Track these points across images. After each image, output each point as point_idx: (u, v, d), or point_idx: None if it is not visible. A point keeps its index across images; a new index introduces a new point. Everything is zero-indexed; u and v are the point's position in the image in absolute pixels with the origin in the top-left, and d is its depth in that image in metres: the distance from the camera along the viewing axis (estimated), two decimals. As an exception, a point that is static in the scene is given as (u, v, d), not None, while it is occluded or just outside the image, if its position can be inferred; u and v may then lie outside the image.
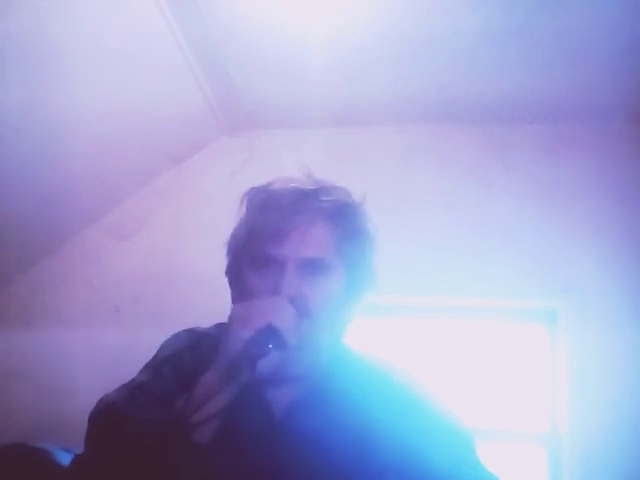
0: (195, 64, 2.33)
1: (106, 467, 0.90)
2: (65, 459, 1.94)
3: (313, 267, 1.00)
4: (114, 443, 0.91)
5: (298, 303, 0.96)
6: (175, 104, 2.48)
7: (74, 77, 2.09)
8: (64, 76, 2.06)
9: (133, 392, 0.99)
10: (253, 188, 1.08)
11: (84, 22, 1.94)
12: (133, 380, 1.03)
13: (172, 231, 2.75)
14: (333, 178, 1.09)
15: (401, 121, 2.67)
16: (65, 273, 2.74)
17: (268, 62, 2.34)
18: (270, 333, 0.92)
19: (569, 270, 2.46)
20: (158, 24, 2.08)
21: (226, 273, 1.09)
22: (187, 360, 1.03)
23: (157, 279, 2.67)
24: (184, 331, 1.11)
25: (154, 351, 1.09)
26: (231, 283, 1.09)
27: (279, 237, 0.99)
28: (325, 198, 1.04)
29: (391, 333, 2.59)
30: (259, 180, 1.10)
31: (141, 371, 1.05)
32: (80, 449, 0.97)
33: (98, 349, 2.56)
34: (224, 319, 0.99)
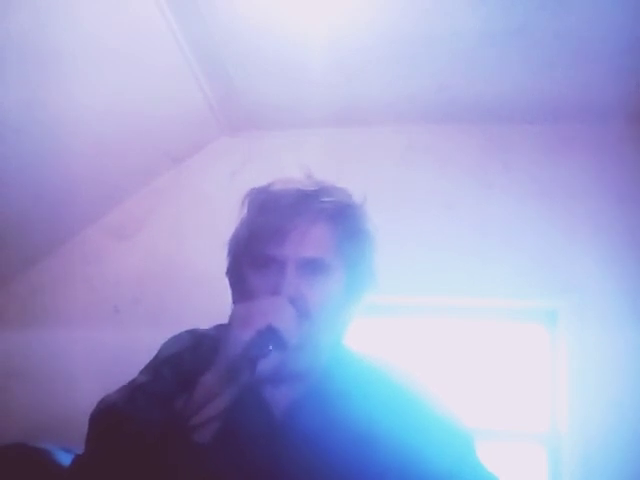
0: (195, 64, 2.33)
1: (106, 467, 0.90)
2: (65, 459, 1.94)
3: (313, 267, 1.00)
4: (114, 443, 0.91)
5: (298, 303, 0.96)
6: (175, 104, 2.48)
7: (74, 77, 2.09)
8: (64, 76, 2.06)
9: (133, 393, 0.99)
10: (254, 189, 1.08)
11: (84, 22, 1.94)
12: (133, 381, 1.03)
13: (172, 231, 2.75)
14: (333, 178, 1.10)
15: (401, 121, 2.66)
16: (65, 273, 2.74)
17: (268, 62, 2.34)
18: (270, 334, 0.92)
19: (569, 270, 2.46)
20: (158, 24, 2.08)
21: (227, 274, 1.10)
22: (187, 361, 1.03)
23: (157, 279, 2.67)
24: (185, 332, 1.11)
25: (154, 351, 1.09)
26: (232, 284, 1.09)
27: (279, 237, 1.00)
28: (325, 199, 1.04)
29: (391, 333, 2.59)
30: (259, 180, 1.10)
31: (141, 372, 1.05)
32: (80, 449, 0.98)
33: (98, 349, 2.55)
34: (224, 319, 0.99)
